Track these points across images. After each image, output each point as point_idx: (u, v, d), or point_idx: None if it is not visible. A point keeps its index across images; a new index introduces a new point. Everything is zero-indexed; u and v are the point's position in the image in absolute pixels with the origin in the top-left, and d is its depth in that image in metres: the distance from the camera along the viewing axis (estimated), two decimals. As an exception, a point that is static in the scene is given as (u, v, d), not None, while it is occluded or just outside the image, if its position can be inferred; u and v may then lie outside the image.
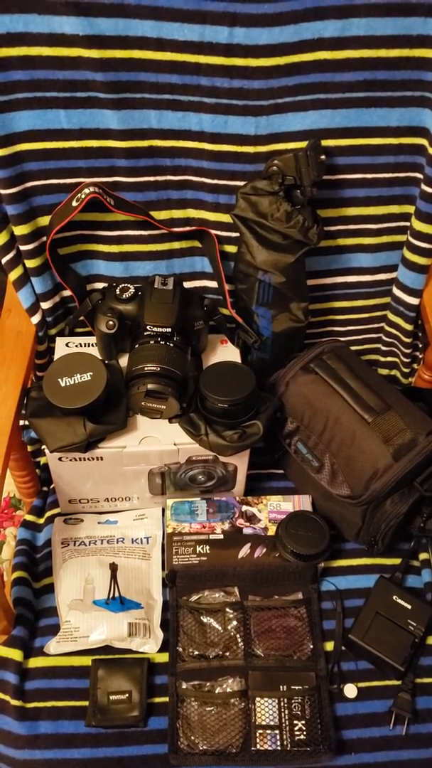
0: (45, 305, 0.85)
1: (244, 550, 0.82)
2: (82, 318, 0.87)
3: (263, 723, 0.70)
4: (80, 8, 0.67)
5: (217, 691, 0.72)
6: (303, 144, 0.76)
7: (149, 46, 0.70)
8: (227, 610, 0.77)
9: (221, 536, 0.83)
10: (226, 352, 0.87)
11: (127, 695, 0.71)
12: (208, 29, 0.69)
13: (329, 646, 0.76)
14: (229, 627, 0.76)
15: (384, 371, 1.01)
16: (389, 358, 0.99)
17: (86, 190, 0.77)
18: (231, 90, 0.73)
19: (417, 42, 0.71)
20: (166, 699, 0.72)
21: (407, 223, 0.85)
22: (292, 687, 0.72)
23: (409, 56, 0.72)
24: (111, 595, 0.78)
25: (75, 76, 0.72)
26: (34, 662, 0.74)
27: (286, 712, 0.71)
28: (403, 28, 0.70)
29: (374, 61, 0.72)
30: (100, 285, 0.89)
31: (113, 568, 0.80)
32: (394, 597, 0.77)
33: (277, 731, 0.70)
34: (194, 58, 0.71)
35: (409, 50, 0.71)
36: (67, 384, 0.75)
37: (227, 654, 0.75)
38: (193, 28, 0.69)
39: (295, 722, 0.70)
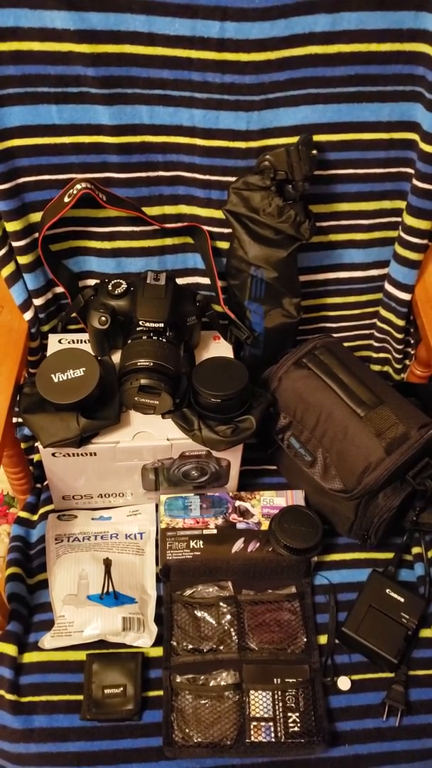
0: (37, 302, 0.85)
1: (238, 545, 0.82)
2: (74, 314, 0.87)
3: (257, 715, 0.71)
4: (71, 3, 0.67)
5: (211, 684, 0.72)
6: (294, 139, 0.76)
7: (141, 41, 0.70)
8: (221, 604, 0.78)
9: (215, 531, 0.83)
10: (219, 348, 0.87)
11: (121, 689, 0.72)
12: (200, 24, 0.69)
13: (323, 639, 0.77)
14: (222, 621, 0.77)
15: (376, 367, 1.01)
16: (381, 354, 1.00)
17: (78, 186, 0.77)
18: (222, 85, 0.73)
19: (408, 36, 0.71)
20: (161, 692, 0.72)
21: (399, 219, 0.85)
22: (286, 680, 0.73)
23: (400, 50, 0.72)
24: (105, 590, 0.78)
25: (66, 71, 0.71)
26: (29, 657, 0.74)
27: (280, 704, 0.71)
28: (393, 22, 0.70)
29: (365, 55, 0.72)
30: (92, 281, 0.89)
31: (107, 563, 0.80)
32: (387, 590, 0.77)
33: (271, 723, 0.70)
34: (186, 53, 0.71)
35: (399, 44, 0.72)
36: (60, 380, 0.75)
37: (221, 648, 0.75)
38: (185, 22, 0.69)
39: (289, 714, 0.71)
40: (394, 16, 0.70)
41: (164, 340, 0.77)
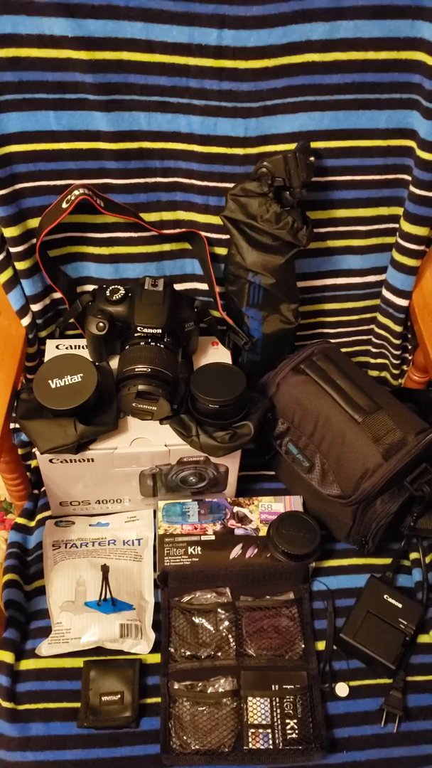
0: (35, 307, 0.85)
1: (236, 551, 0.82)
2: (72, 320, 0.87)
3: (255, 722, 0.70)
4: (69, 10, 0.67)
5: (209, 691, 0.72)
6: (292, 146, 0.77)
7: (138, 48, 0.70)
8: (219, 610, 0.77)
9: (213, 537, 0.83)
10: (217, 354, 0.87)
11: (119, 696, 0.71)
12: (197, 31, 0.69)
13: (321, 645, 0.76)
14: (220, 627, 0.76)
15: (374, 372, 1.01)
16: (379, 360, 1.00)
17: (76, 192, 0.77)
18: (220, 92, 0.73)
19: (404, 44, 0.71)
20: (158, 699, 0.72)
21: (396, 225, 0.85)
22: (284, 686, 0.73)
23: (396, 58, 0.72)
24: (102, 597, 0.78)
25: (64, 78, 0.72)
26: (26, 664, 0.74)
27: (278, 711, 0.71)
28: (390, 30, 0.70)
29: (362, 63, 0.72)
30: (90, 287, 0.89)
31: (105, 569, 0.80)
32: (385, 596, 0.77)
33: (269, 730, 0.70)
34: (183, 60, 0.71)
35: (396, 53, 0.72)
36: (58, 385, 0.75)
37: (219, 654, 0.75)
38: (182, 29, 0.69)
39: (287, 721, 0.70)
40: (390, 24, 0.70)
41: (162, 346, 0.77)
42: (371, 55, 0.72)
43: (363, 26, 0.70)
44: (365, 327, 0.96)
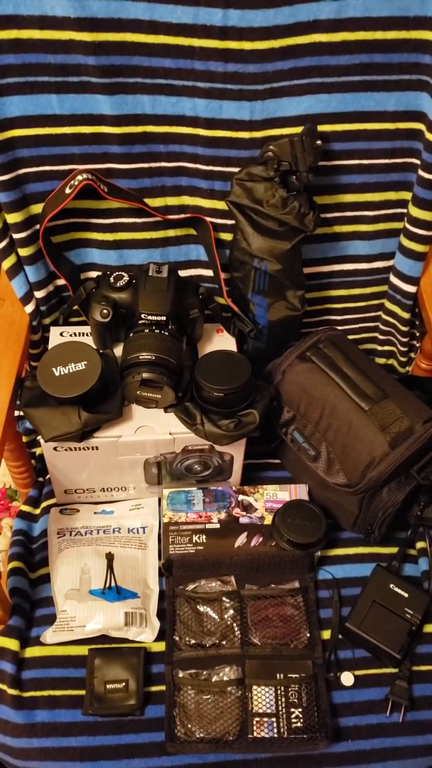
0: (39, 294, 0.85)
1: (241, 540, 0.82)
2: (76, 307, 0.86)
3: (260, 711, 0.70)
4: (71, -10, 0.66)
5: (213, 680, 0.72)
6: (299, 129, 0.75)
7: (142, 29, 0.69)
8: (224, 599, 0.77)
9: (218, 525, 0.82)
10: (222, 341, 0.86)
11: (123, 684, 0.71)
12: (202, 11, 0.68)
13: (326, 634, 0.76)
14: (225, 616, 0.76)
15: (381, 360, 1.00)
16: (386, 347, 0.99)
17: (79, 177, 0.76)
18: (225, 74, 0.72)
19: (414, 23, 0.70)
20: (163, 687, 0.72)
21: (404, 210, 0.84)
22: (289, 675, 0.72)
23: (406, 38, 0.71)
24: (107, 585, 0.77)
25: (67, 60, 0.70)
26: (31, 652, 0.74)
27: (283, 700, 0.71)
28: (399, 9, 0.69)
29: (371, 43, 0.71)
30: (94, 273, 0.88)
31: (109, 557, 0.80)
32: (391, 585, 0.77)
33: (274, 719, 0.70)
34: (188, 41, 0.70)
35: (406, 32, 0.70)
36: (62, 373, 0.75)
37: (224, 643, 0.75)
38: (187, 10, 0.68)
39: (292, 710, 0.70)
40: (400, 2, 0.69)
41: (166, 333, 0.76)
42: (380, 34, 0.70)
43: (372, 5, 0.68)
44: (372, 314, 0.95)
